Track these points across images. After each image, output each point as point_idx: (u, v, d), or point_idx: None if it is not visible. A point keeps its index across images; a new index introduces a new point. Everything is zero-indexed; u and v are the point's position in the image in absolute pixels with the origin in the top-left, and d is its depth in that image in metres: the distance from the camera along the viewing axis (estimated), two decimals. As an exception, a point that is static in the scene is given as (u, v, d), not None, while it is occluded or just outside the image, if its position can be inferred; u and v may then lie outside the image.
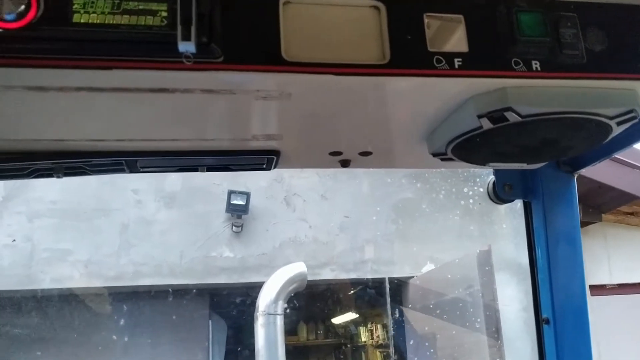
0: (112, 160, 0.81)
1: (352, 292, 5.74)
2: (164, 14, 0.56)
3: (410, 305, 4.67)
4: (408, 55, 0.64)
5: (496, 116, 0.69)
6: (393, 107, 0.72)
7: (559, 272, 1.11)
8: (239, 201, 4.15)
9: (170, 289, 4.36)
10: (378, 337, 6.50)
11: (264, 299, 2.44)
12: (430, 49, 0.65)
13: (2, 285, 3.93)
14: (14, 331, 4.19)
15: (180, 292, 4.44)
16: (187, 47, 0.54)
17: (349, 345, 7.48)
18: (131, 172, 0.86)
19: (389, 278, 4.53)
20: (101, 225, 4.08)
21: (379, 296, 5.07)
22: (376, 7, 0.65)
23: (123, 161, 0.82)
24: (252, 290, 4.42)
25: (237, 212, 4.21)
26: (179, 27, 0.54)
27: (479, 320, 3.65)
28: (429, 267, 4.44)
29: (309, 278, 3.88)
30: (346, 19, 0.65)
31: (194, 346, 4.44)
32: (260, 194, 4.37)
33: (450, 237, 4.49)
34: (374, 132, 0.82)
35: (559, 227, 1.11)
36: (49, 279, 3.97)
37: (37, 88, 0.60)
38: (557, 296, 1.10)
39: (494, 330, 3.58)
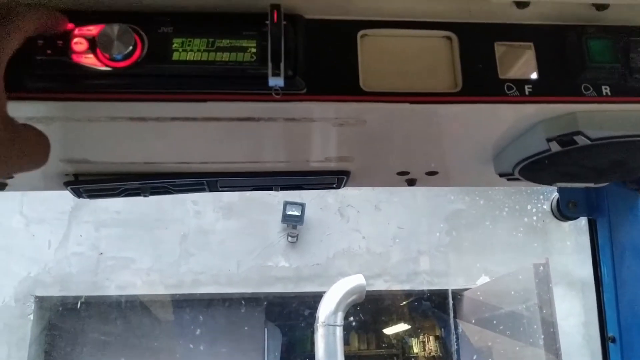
0: (195, 180, 0.87)
1: (404, 302, 5.73)
2: (254, 50, 0.61)
3: (464, 318, 4.62)
4: (479, 83, 0.67)
5: (565, 140, 0.71)
6: (463, 131, 0.75)
7: (626, 289, 1.10)
8: (294, 212, 4.23)
9: (227, 297, 4.46)
10: (430, 349, 6.44)
11: (324, 311, 2.48)
12: (501, 76, 0.68)
13: (71, 291, 4.12)
14: (85, 335, 4.38)
15: (237, 300, 4.54)
16: (276, 82, 0.59)
17: (400, 356, 7.44)
18: (210, 191, 0.92)
19: (440, 290, 4.50)
20: (162, 234, 4.23)
21: (433, 308, 5.03)
22: (448, 37, 0.68)
23: (204, 181, 0.88)
24: (306, 300, 4.48)
25: (293, 222, 4.29)
26: (270, 64, 0.58)
27: (536, 334, 3.58)
28: (483, 279, 4.39)
29: (362, 289, 3.90)
30: (420, 49, 0.68)
31: (250, 353, 4.52)
32: (315, 205, 4.43)
33: (506, 249, 4.42)
34: (441, 154, 0.85)
35: (625, 244, 1.11)
36: (113, 286, 4.14)
37: (137, 119, 0.66)
38: (624, 314, 1.10)
39: (553, 345, 3.50)
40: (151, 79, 0.61)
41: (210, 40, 0.61)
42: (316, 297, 3.81)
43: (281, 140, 0.77)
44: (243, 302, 4.48)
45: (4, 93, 0.52)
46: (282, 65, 0.59)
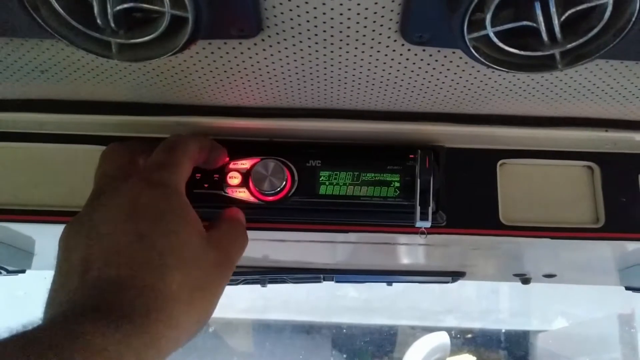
0: (312, 275, 0.89)
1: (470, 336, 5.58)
2: (397, 184, 0.62)
3: (537, 361, 4.45)
4: (623, 218, 0.65)
5: None
6: (597, 257, 0.74)
7: None
8: (366, 244, 4.22)
9: (295, 324, 4.49)
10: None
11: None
12: None
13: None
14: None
15: (304, 328, 4.56)
16: (423, 224, 0.60)
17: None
18: (325, 281, 0.93)
19: (514, 331, 4.35)
20: (235, 259, 4.31)
21: (505, 349, 4.89)
22: (590, 167, 0.67)
23: (321, 276, 0.90)
24: (372, 331, 4.44)
25: (364, 254, 4.27)
26: (418, 208, 0.59)
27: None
28: (560, 322, 4.22)
29: (431, 324, 3.84)
30: (560, 179, 0.67)
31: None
32: (386, 237, 4.40)
33: (585, 289, 4.24)
34: (566, 266, 0.83)
35: None
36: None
37: (277, 240, 0.68)
38: None
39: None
40: (298, 212, 0.62)
41: (356, 173, 0.63)
42: (384, 329, 3.78)
43: (409, 256, 0.77)
44: (307, 329, 4.49)
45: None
46: (430, 209, 0.59)
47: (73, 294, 0.42)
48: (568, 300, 4.26)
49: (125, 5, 0.38)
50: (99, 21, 0.38)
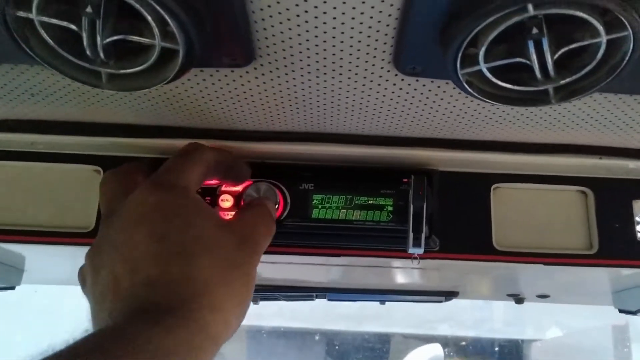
0: (305, 293, 0.88)
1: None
2: (390, 208, 0.62)
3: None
4: (617, 245, 0.65)
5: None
6: (590, 283, 0.73)
7: None
8: (361, 251, 4.21)
9: (289, 331, 4.47)
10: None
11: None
12: (639, 237, 0.65)
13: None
14: None
15: (297, 335, 4.54)
16: (416, 250, 0.59)
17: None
18: (318, 299, 0.93)
19: (508, 339, 4.35)
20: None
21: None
22: (583, 192, 0.67)
23: (314, 294, 0.89)
24: (366, 339, 4.44)
25: (359, 261, 4.26)
26: (411, 234, 0.59)
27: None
28: (553, 332, 4.22)
29: (426, 332, 3.83)
30: (553, 204, 0.67)
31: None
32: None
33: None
34: (560, 288, 0.83)
35: None
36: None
37: (268, 262, 0.68)
38: None
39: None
40: (290, 236, 0.62)
41: (349, 197, 0.62)
42: (378, 337, 3.77)
43: (401, 277, 0.77)
44: (302, 335, 4.48)
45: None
46: (422, 235, 0.59)
47: (110, 312, 0.42)
48: (562, 311, 4.26)
49: (115, 37, 0.37)
50: (88, 52, 0.38)
